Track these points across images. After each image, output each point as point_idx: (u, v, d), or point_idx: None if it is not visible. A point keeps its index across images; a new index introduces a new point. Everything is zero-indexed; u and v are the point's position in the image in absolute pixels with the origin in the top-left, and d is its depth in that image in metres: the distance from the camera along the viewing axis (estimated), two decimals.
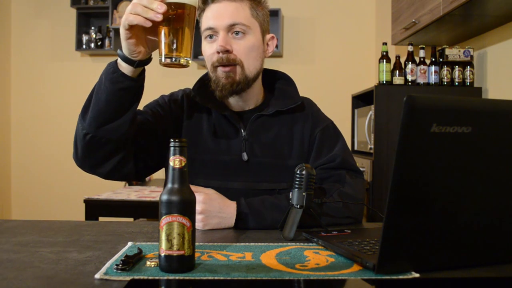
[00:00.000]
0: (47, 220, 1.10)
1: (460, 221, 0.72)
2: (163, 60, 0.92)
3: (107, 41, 3.93)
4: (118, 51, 0.98)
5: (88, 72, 4.06)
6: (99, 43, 3.94)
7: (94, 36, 3.95)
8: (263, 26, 1.19)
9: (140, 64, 0.98)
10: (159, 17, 0.89)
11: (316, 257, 0.80)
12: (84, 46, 3.95)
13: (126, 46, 0.95)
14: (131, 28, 0.92)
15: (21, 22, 4.13)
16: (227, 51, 1.11)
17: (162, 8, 0.89)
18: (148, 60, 1.00)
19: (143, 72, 1.02)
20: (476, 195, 0.71)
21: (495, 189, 0.72)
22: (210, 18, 1.13)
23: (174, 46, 0.92)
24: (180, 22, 0.92)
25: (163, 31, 0.92)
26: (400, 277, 0.69)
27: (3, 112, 4.06)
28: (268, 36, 1.22)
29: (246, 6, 1.14)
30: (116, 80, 0.97)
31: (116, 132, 1.01)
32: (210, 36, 1.13)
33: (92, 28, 4.00)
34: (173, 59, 0.92)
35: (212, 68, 1.14)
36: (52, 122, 4.09)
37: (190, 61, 0.94)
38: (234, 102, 1.20)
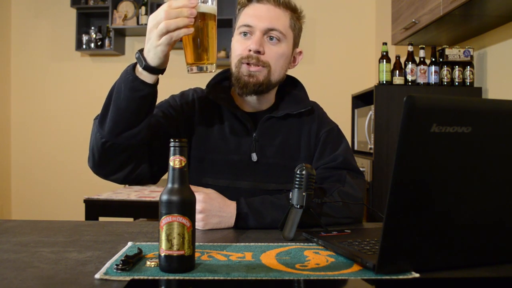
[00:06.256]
0: (47, 220, 1.10)
1: (460, 221, 0.72)
2: (192, 69, 0.96)
3: (107, 41, 3.93)
4: (144, 63, 0.96)
5: (88, 72, 4.06)
6: (99, 43, 3.94)
7: (94, 36, 3.95)
8: (296, 39, 1.21)
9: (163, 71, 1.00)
10: (192, 21, 0.91)
11: (316, 257, 0.80)
12: (84, 46, 3.94)
13: (161, 60, 0.96)
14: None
15: (21, 22, 4.13)
16: (259, 52, 1.12)
17: (193, 12, 0.91)
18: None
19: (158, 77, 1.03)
20: (476, 195, 0.71)
21: (495, 189, 0.72)
22: (250, 15, 1.14)
23: (201, 54, 0.95)
24: (205, 30, 0.95)
25: (189, 40, 0.95)
26: (400, 277, 0.69)
27: (3, 112, 4.06)
28: (297, 50, 1.24)
29: (287, 15, 1.17)
30: (137, 88, 0.97)
31: (135, 138, 1.02)
32: (245, 34, 1.15)
33: (92, 28, 4.00)
34: (202, 68, 0.95)
35: (237, 63, 1.15)
36: (52, 122, 4.09)
37: (215, 66, 0.97)
38: (251, 100, 1.21)
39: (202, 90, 1.26)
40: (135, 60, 0.99)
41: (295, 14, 1.19)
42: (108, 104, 1.01)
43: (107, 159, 1.04)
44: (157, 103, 1.22)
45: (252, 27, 1.13)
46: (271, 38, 1.14)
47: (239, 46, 1.15)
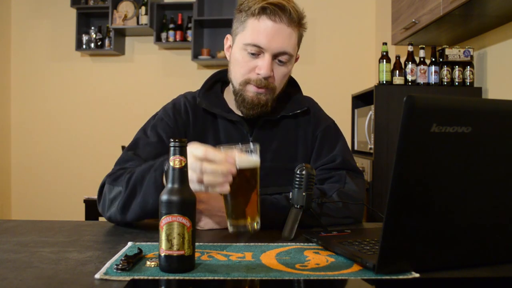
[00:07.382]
0: (47, 220, 1.10)
1: (460, 221, 0.72)
2: (233, 230, 0.91)
3: (107, 41, 3.93)
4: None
5: (88, 72, 4.06)
6: (99, 43, 3.94)
7: (94, 36, 3.95)
8: (298, 49, 1.19)
9: None
10: (229, 180, 0.85)
11: (316, 257, 0.80)
12: (84, 46, 3.94)
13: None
14: None
15: (21, 22, 4.13)
16: (268, 77, 1.11)
17: (232, 171, 0.84)
18: None
19: None
20: (476, 195, 0.71)
21: (495, 189, 0.72)
22: (261, 33, 1.08)
23: (242, 213, 0.91)
24: (245, 188, 0.91)
25: (228, 198, 0.91)
26: (400, 277, 0.69)
27: (3, 112, 4.06)
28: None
29: (296, 34, 1.13)
30: None
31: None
32: (253, 53, 1.10)
33: (92, 28, 4.00)
34: (246, 228, 0.91)
35: (243, 82, 1.13)
36: (52, 122, 4.09)
37: (259, 224, 0.92)
38: None
39: (193, 95, 1.23)
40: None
41: (302, 28, 1.15)
42: (132, 195, 0.99)
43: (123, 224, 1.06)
44: (149, 105, 1.20)
45: (263, 49, 1.09)
46: (280, 62, 1.12)
47: (246, 65, 1.11)
